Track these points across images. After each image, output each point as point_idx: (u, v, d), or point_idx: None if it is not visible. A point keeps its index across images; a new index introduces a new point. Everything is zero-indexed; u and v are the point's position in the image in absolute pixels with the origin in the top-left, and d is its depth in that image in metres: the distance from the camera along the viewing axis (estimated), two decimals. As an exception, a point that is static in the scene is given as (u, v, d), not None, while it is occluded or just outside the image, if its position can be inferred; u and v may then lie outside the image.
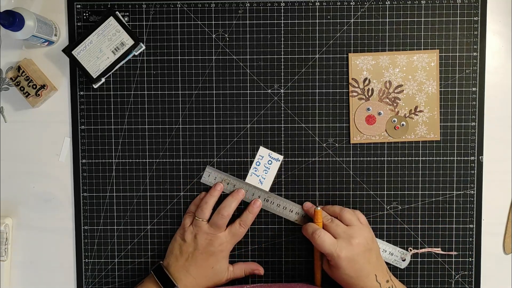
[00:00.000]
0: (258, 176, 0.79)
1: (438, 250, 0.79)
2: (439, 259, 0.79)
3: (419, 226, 0.79)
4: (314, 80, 0.78)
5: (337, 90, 0.78)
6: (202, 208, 0.76)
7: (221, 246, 0.74)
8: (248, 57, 0.78)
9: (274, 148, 0.79)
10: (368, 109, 0.78)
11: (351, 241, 0.70)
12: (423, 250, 0.78)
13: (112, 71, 0.78)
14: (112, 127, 0.79)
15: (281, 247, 0.80)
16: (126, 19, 0.78)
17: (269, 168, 0.79)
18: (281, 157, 0.79)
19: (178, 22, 0.78)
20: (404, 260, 0.78)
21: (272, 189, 0.79)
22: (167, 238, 0.80)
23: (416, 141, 0.79)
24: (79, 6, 0.78)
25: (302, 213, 0.78)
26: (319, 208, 0.74)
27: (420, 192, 0.79)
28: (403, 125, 0.78)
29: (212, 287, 0.75)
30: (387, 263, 0.78)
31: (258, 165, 0.79)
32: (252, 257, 0.80)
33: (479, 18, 0.77)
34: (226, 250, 0.75)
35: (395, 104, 0.78)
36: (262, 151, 0.79)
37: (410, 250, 0.78)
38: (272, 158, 0.79)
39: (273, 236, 0.80)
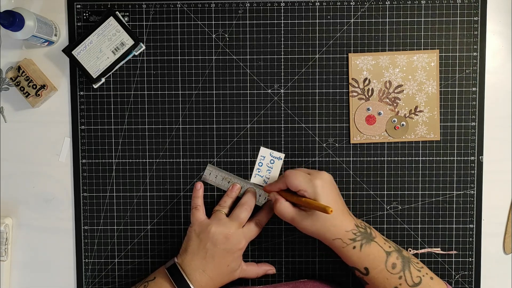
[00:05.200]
0: (262, 176, 0.79)
1: (438, 250, 0.79)
2: (439, 259, 0.79)
3: (419, 226, 0.79)
4: (314, 80, 0.79)
5: (337, 90, 0.78)
6: (225, 200, 0.76)
7: (239, 244, 0.72)
8: (248, 57, 0.78)
9: (274, 148, 0.79)
10: (368, 109, 0.78)
11: (321, 173, 0.71)
12: (423, 250, 0.78)
13: (112, 71, 0.78)
14: (112, 127, 0.79)
15: (281, 247, 0.80)
16: (126, 19, 0.78)
17: (272, 168, 0.79)
18: (282, 156, 0.79)
19: (178, 22, 0.78)
20: None
21: (272, 189, 0.79)
22: (167, 238, 0.80)
23: (416, 141, 0.79)
24: (79, 6, 0.78)
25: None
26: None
27: (420, 192, 0.79)
28: (403, 125, 0.78)
29: (225, 284, 0.74)
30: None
31: (261, 165, 0.79)
32: (252, 257, 0.80)
33: (479, 18, 0.78)
34: (243, 248, 0.73)
35: (395, 104, 0.78)
36: (263, 151, 0.79)
37: (410, 250, 0.78)
38: (273, 157, 0.79)
39: (273, 236, 0.80)
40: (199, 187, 0.77)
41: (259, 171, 0.79)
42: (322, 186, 0.69)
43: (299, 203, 0.70)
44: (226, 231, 0.72)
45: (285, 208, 0.71)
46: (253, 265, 0.77)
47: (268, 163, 0.79)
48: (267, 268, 0.78)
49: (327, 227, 0.69)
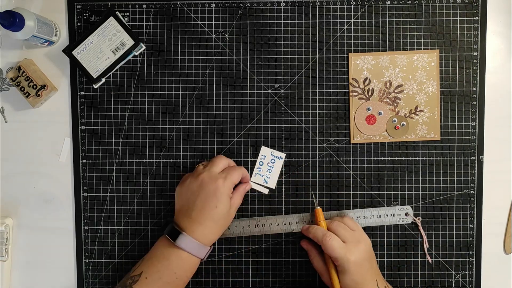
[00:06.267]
0: (262, 176, 0.79)
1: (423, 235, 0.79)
2: (440, 259, 0.79)
3: (419, 226, 0.79)
4: (314, 80, 0.79)
5: (337, 90, 0.78)
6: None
7: (220, 188, 0.71)
8: (248, 57, 0.78)
9: (275, 148, 0.79)
10: (368, 109, 0.78)
11: (358, 245, 0.71)
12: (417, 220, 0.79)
13: (112, 71, 0.78)
14: (112, 127, 0.79)
15: (281, 247, 0.80)
16: (126, 19, 0.78)
17: (272, 167, 0.79)
18: (283, 155, 0.79)
19: (178, 22, 0.78)
20: (407, 215, 0.78)
21: (275, 188, 0.79)
22: (167, 238, 0.80)
23: (416, 141, 0.79)
24: (79, 6, 0.78)
25: (296, 220, 0.78)
26: (318, 207, 0.76)
27: (420, 192, 0.79)
28: (403, 125, 0.78)
29: (224, 231, 0.74)
30: (394, 226, 0.79)
31: (261, 165, 0.79)
32: (252, 257, 0.80)
33: (479, 18, 0.78)
34: (222, 191, 0.71)
35: (395, 104, 0.78)
36: (264, 150, 0.79)
37: (407, 214, 0.78)
38: (274, 156, 0.79)
39: (273, 236, 0.80)
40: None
41: (259, 171, 0.79)
42: (354, 263, 0.70)
43: (327, 266, 0.73)
44: (205, 174, 0.72)
45: (317, 263, 0.75)
46: (234, 194, 0.74)
47: (269, 162, 0.79)
48: (244, 187, 0.76)
49: None
